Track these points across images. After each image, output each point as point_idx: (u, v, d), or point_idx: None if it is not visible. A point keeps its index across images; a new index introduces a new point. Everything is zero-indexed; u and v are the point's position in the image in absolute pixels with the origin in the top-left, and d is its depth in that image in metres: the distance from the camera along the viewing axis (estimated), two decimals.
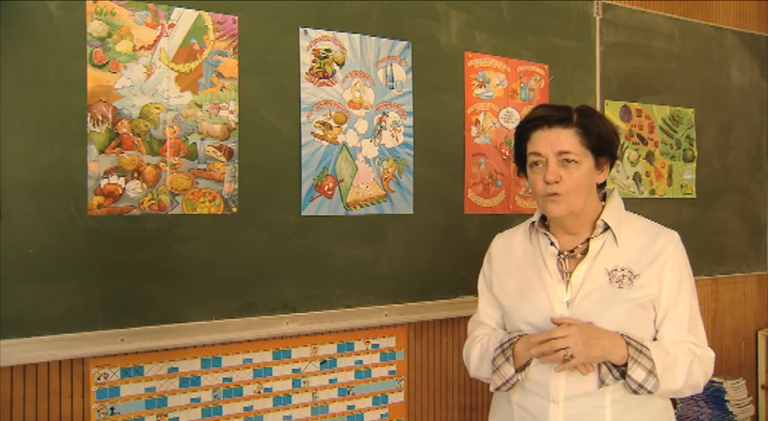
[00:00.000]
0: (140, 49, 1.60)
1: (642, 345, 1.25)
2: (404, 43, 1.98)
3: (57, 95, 1.52)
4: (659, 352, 1.26)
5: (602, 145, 1.34)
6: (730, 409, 2.52)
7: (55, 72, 1.52)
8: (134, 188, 1.60)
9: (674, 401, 1.44)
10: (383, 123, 1.95)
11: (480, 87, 2.13)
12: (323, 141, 1.85)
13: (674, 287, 1.31)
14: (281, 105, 1.79)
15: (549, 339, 1.25)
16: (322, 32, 1.85)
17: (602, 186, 1.42)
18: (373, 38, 1.93)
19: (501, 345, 1.37)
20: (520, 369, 1.33)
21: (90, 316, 1.55)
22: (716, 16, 2.84)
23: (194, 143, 1.67)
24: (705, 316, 1.37)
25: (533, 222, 1.45)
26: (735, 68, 2.80)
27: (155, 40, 1.62)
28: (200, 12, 1.68)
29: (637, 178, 2.51)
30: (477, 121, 2.12)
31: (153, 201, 1.62)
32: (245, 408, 1.81)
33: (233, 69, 1.72)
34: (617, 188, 2.27)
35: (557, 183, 1.30)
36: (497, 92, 2.17)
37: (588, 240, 1.36)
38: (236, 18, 1.73)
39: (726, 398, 2.53)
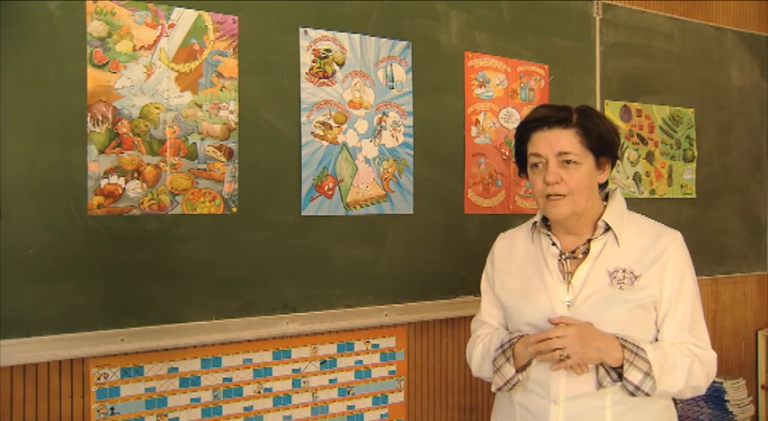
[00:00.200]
0: (140, 49, 1.60)
1: (638, 348, 1.25)
2: (404, 43, 1.98)
3: (57, 95, 1.52)
4: (657, 353, 1.25)
5: (603, 145, 1.34)
6: (730, 409, 2.52)
7: (55, 72, 1.52)
8: (134, 188, 1.60)
9: (674, 401, 1.44)
10: (383, 123, 1.95)
11: (480, 87, 2.13)
12: (323, 141, 1.85)
13: (674, 287, 1.31)
14: (281, 105, 1.79)
15: (546, 338, 1.25)
16: (322, 32, 1.85)
17: (604, 186, 1.42)
18: (373, 38, 1.93)
19: (501, 346, 1.37)
20: (520, 369, 1.33)
21: (90, 316, 1.55)
22: (716, 16, 2.84)
23: (194, 143, 1.67)
24: (705, 316, 1.37)
25: (535, 222, 1.45)
26: (735, 68, 2.80)
27: (155, 40, 1.62)
28: (200, 12, 1.68)
29: (637, 178, 2.51)
30: (477, 121, 2.12)
31: (153, 201, 1.62)
32: (245, 408, 1.81)
33: (233, 69, 1.72)
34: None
35: (557, 183, 1.30)
36: (497, 92, 2.17)
37: (590, 241, 1.36)
38: (236, 18, 1.73)
39: (726, 398, 2.53)
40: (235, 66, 1.72)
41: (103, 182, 1.56)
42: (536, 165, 1.35)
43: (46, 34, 1.51)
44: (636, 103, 2.52)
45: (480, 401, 2.23)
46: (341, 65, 1.88)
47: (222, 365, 1.78)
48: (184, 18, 1.66)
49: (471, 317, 1.59)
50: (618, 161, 1.45)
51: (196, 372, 1.74)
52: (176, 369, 1.71)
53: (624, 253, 1.33)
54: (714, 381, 2.54)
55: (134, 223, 1.60)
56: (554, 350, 1.24)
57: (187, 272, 1.66)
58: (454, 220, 2.07)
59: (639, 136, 2.53)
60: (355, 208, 1.90)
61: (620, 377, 1.25)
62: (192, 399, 1.74)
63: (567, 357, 1.23)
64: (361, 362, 1.99)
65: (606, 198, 1.42)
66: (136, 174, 1.60)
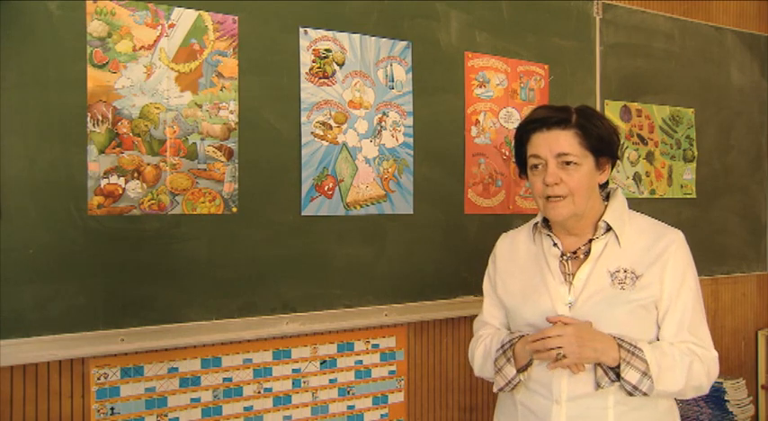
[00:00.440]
0: (140, 49, 1.60)
1: (635, 347, 1.25)
2: (404, 43, 1.98)
3: (57, 95, 1.52)
4: (655, 353, 1.25)
5: (602, 145, 1.34)
6: (730, 409, 2.52)
7: (55, 72, 1.52)
8: (134, 188, 1.60)
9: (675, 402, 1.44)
10: (383, 123, 1.95)
11: (480, 87, 2.13)
12: (323, 141, 1.85)
13: (675, 286, 1.31)
14: (281, 105, 1.79)
15: (544, 338, 1.25)
16: (322, 32, 1.85)
17: (604, 186, 1.42)
18: (373, 38, 1.93)
19: (502, 346, 1.37)
20: (522, 369, 1.33)
21: (90, 316, 1.55)
22: (716, 16, 2.84)
23: (194, 143, 1.67)
24: (705, 316, 1.36)
25: (536, 223, 1.45)
26: (735, 68, 2.80)
27: (155, 40, 1.62)
28: (200, 12, 1.68)
29: (637, 178, 2.51)
30: (477, 121, 2.12)
31: (153, 201, 1.62)
32: (245, 408, 1.81)
33: (233, 69, 1.72)
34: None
35: (556, 184, 1.30)
36: (497, 92, 2.17)
37: (591, 241, 1.36)
38: (236, 18, 1.73)
39: (726, 398, 2.53)
40: (235, 66, 1.72)
41: (103, 182, 1.56)
42: (536, 166, 1.35)
43: (46, 34, 1.51)
44: (636, 103, 2.52)
45: (480, 401, 2.23)
46: (341, 65, 1.88)
47: (222, 365, 1.78)
48: (184, 18, 1.66)
49: (472, 318, 1.59)
50: (618, 161, 1.45)
51: (196, 372, 1.75)
52: (176, 369, 1.71)
53: (625, 253, 1.33)
54: (714, 381, 2.54)
55: (134, 223, 1.60)
56: (551, 349, 1.24)
57: (187, 272, 1.66)
58: (454, 220, 2.07)
59: (639, 136, 2.53)
60: (355, 208, 1.90)
61: (619, 377, 1.24)
62: (192, 399, 1.74)
63: (564, 357, 1.23)
64: (361, 362, 1.99)
65: (607, 198, 1.41)
66: (136, 174, 1.60)
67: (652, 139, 2.56)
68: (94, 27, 1.56)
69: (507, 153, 2.18)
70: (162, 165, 1.63)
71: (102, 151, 1.56)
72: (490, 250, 1.56)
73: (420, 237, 2.01)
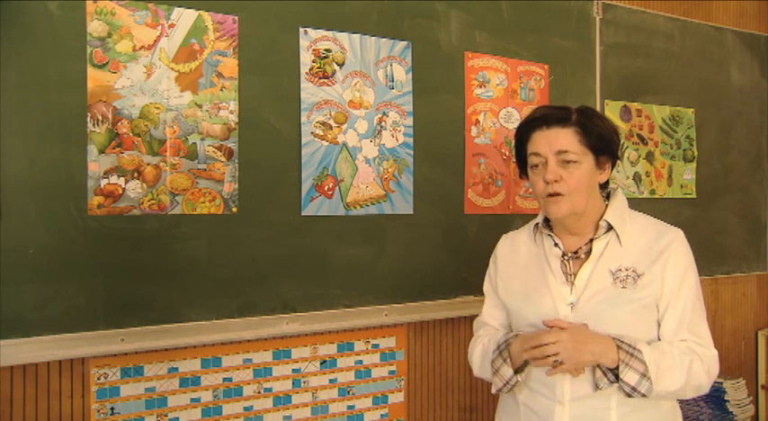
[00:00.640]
0: (140, 49, 1.60)
1: (634, 349, 1.24)
2: (404, 43, 1.98)
3: (57, 95, 1.52)
4: (654, 354, 1.24)
5: (602, 144, 1.34)
6: (730, 409, 2.52)
7: (55, 72, 1.52)
8: (134, 188, 1.60)
9: None
10: (383, 123, 1.95)
11: (480, 87, 2.13)
12: (323, 141, 1.85)
13: (675, 284, 1.30)
14: (281, 105, 1.79)
15: (540, 345, 1.25)
16: (322, 32, 1.85)
17: (605, 186, 1.42)
18: (373, 38, 1.93)
19: (498, 347, 1.37)
20: (519, 369, 1.33)
21: (90, 316, 1.55)
22: (716, 16, 2.84)
23: (194, 143, 1.67)
24: (705, 314, 1.36)
25: (537, 223, 1.45)
26: (735, 68, 2.80)
27: (155, 40, 1.62)
28: (200, 12, 1.68)
29: (637, 178, 2.51)
30: (477, 121, 2.12)
31: (153, 201, 1.62)
32: (245, 408, 1.81)
33: (233, 69, 1.72)
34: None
35: (557, 182, 1.30)
36: (497, 92, 2.17)
37: (592, 241, 1.36)
38: (236, 18, 1.73)
39: (726, 398, 2.53)
40: (235, 66, 1.72)
41: (103, 182, 1.56)
42: (536, 164, 1.35)
43: (46, 34, 1.51)
44: (636, 103, 2.52)
45: (480, 401, 2.23)
46: (341, 65, 1.88)
47: (222, 365, 1.78)
48: (184, 18, 1.66)
49: (472, 318, 1.59)
50: (618, 161, 1.45)
51: (196, 372, 1.75)
52: (176, 369, 1.71)
53: (626, 252, 1.33)
54: (714, 381, 2.54)
55: (134, 223, 1.60)
56: (547, 356, 1.24)
57: (187, 272, 1.66)
58: (454, 220, 2.07)
59: (639, 136, 2.52)
60: (355, 208, 1.90)
61: (618, 378, 1.24)
62: (192, 399, 1.74)
63: (561, 363, 1.23)
64: (361, 362, 1.99)
65: (608, 198, 1.41)
66: (136, 174, 1.60)
67: (652, 139, 2.56)
68: (94, 27, 1.56)
69: (507, 153, 2.18)
70: (162, 165, 1.63)
71: (102, 151, 1.56)
72: (490, 250, 1.56)
73: (420, 237, 2.01)
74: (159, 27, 1.63)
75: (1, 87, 1.46)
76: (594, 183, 1.35)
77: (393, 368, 2.05)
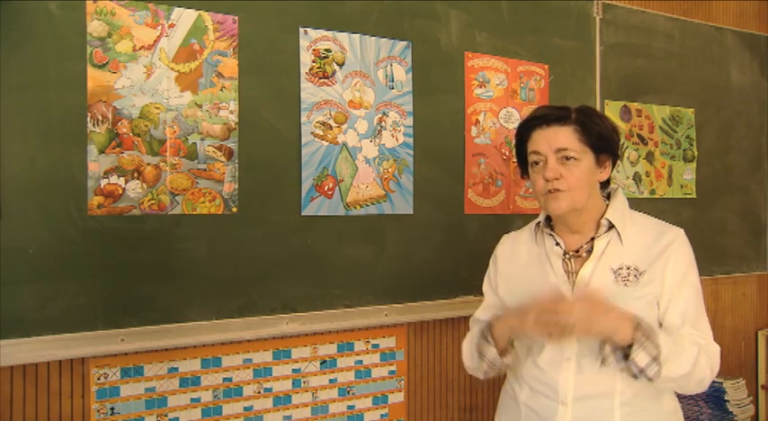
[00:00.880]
0: (140, 49, 1.60)
1: (652, 330, 1.21)
2: (404, 43, 1.98)
3: (57, 95, 1.52)
4: (668, 340, 1.22)
5: (602, 142, 1.34)
6: (730, 409, 2.52)
7: (55, 72, 1.52)
8: (134, 188, 1.60)
9: None
10: (383, 123, 1.95)
11: (480, 87, 2.13)
12: (323, 141, 1.85)
13: (676, 282, 1.30)
14: (281, 105, 1.79)
15: (552, 312, 1.20)
16: (322, 32, 1.85)
17: (606, 186, 1.42)
18: (373, 38, 1.93)
19: (482, 332, 1.37)
20: (504, 352, 1.33)
21: (90, 316, 1.55)
22: (716, 16, 2.84)
23: (194, 143, 1.67)
24: (706, 312, 1.36)
25: (539, 223, 1.45)
26: (735, 68, 2.80)
27: (155, 40, 1.62)
28: (200, 12, 1.68)
29: (637, 178, 2.51)
30: (477, 121, 2.12)
31: (153, 201, 1.62)
32: (245, 408, 1.81)
33: (233, 69, 1.72)
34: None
35: (556, 179, 1.30)
36: (497, 92, 2.17)
37: (593, 239, 1.36)
38: (236, 18, 1.73)
39: (726, 398, 2.53)
40: (235, 66, 1.72)
41: (103, 182, 1.56)
42: (536, 163, 1.35)
43: (46, 34, 1.51)
44: (636, 103, 2.52)
45: (480, 401, 2.23)
46: (341, 65, 1.88)
47: (222, 365, 1.78)
48: (184, 18, 1.66)
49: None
50: (618, 161, 1.45)
51: (196, 372, 1.75)
52: (176, 369, 1.71)
53: (628, 250, 1.33)
54: (714, 381, 2.54)
55: (134, 223, 1.60)
56: (558, 324, 1.19)
57: (187, 272, 1.66)
58: (454, 220, 2.07)
59: (639, 136, 2.52)
60: (355, 208, 1.90)
61: (626, 358, 1.21)
62: (192, 399, 1.74)
63: (572, 329, 1.18)
64: (361, 362, 1.99)
65: (608, 198, 1.42)
66: (136, 174, 1.60)
67: (652, 139, 2.56)
68: (94, 27, 1.56)
69: (507, 153, 2.18)
70: (162, 165, 1.63)
71: (102, 151, 1.56)
72: (490, 250, 1.56)
73: (420, 237, 2.01)
74: (159, 27, 1.63)
75: (1, 87, 1.46)
76: (595, 180, 1.36)
77: (393, 368, 2.05)
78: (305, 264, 1.82)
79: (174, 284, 1.65)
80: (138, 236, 1.60)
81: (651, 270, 1.30)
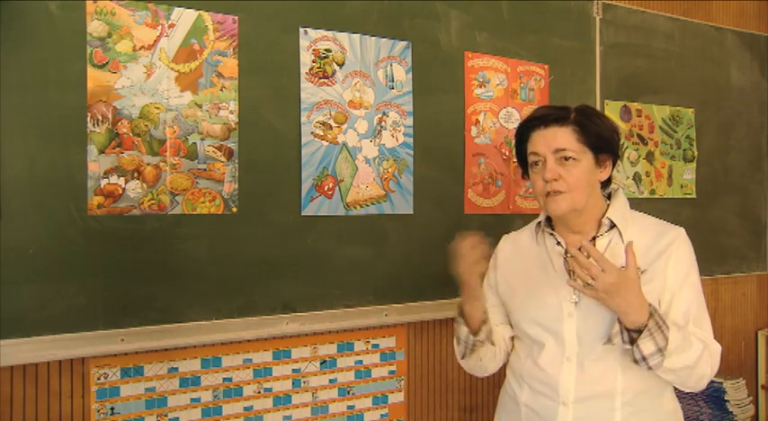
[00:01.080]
0: (140, 49, 1.60)
1: (664, 323, 1.21)
2: (404, 43, 1.98)
3: (57, 95, 1.52)
4: (678, 335, 1.21)
5: (601, 142, 1.34)
6: (730, 409, 2.52)
7: (55, 72, 1.52)
8: (134, 188, 1.60)
9: None
10: (383, 123, 1.95)
11: (480, 87, 2.13)
12: (323, 141, 1.85)
13: (678, 281, 1.30)
14: (281, 105, 1.79)
15: (590, 264, 1.19)
16: (322, 32, 1.85)
17: (606, 185, 1.42)
18: (373, 38, 1.93)
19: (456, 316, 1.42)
20: (476, 331, 1.38)
21: (90, 316, 1.55)
22: (716, 16, 2.84)
23: (194, 143, 1.67)
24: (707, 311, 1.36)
25: (539, 222, 1.45)
26: (735, 68, 2.80)
27: (155, 40, 1.62)
28: (200, 12, 1.68)
29: (637, 178, 2.51)
30: (477, 121, 2.12)
31: (153, 201, 1.62)
32: (245, 408, 1.81)
33: (233, 69, 1.72)
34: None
35: (555, 180, 1.30)
36: (497, 92, 2.17)
37: (594, 239, 1.36)
38: (236, 18, 1.73)
39: (726, 398, 2.53)
40: (235, 66, 1.72)
41: (103, 182, 1.56)
42: (535, 163, 1.35)
43: (46, 34, 1.51)
44: (636, 103, 2.52)
45: (480, 401, 2.23)
46: (341, 65, 1.88)
47: (222, 365, 1.78)
48: (184, 18, 1.66)
49: None
50: (618, 161, 1.45)
51: (196, 372, 1.75)
52: (176, 369, 1.71)
53: None
54: (714, 381, 2.54)
55: (134, 223, 1.60)
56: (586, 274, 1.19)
57: (187, 272, 1.66)
58: (454, 220, 2.07)
59: (639, 136, 2.52)
60: (355, 208, 1.90)
61: (632, 342, 1.21)
62: (192, 399, 1.74)
63: (589, 287, 1.19)
64: (361, 362, 1.99)
65: (609, 198, 1.42)
66: (136, 174, 1.60)
67: (652, 139, 2.56)
68: (94, 27, 1.56)
69: (507, 153, 2.18)
70: (162, 165, 1.63)
71: (102, 151, 1.56)
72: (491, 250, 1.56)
73: (420, 237, 2.01)
74: (159, 27, 1.63)
75: (1, 87, 1.46)
76: (595, 180, 1.36)
77: (393, 368, 2.05)
78: (305, 264, 1.82)
79: (174, 284, 1.65)
80: (138, 236, 1.60)
81: (652, 269, 1.30)
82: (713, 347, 1.30)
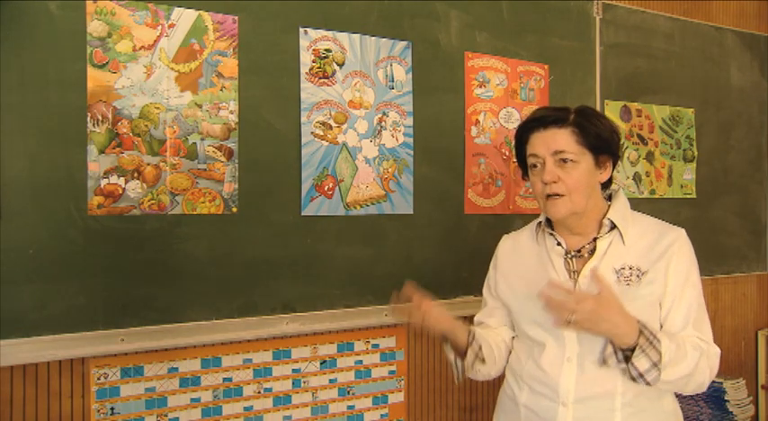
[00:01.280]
0: (140, 49, 1.60)
1: (655, 337, 1.21)
2: (404, 43, 1.98)
3: (57, 95, 1.52)
4: (671, 346, 1.22)
5: (601, 143, 1.34)
6: (730, 409, 2.52)
7: (55, 72, 1.52)
8: (134, 188, 1.60)
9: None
10: (383, 123, 1.95)
11: (480, 87, 2.13)
12: (323, 141, 1.85)
13: (679, 283, 1.30)
14: (281, 105, 1.79)
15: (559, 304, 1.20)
16: (322, 32, 1.85)
17: (607, 186, 1.42)
18: (373, 38, 1.93)
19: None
20: (464, 351, 1.41)
21: (90, 316, 1.55)
22: (716, 16, 2.84)
23: (194, 143, 1.67)
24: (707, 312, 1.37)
25: (539, 223, 1.45)
26: (735, 68, 2.80)
27: (155, 40, 1.62)
28: (200, 12, 1.68)
29: (637, 178, 2.51)
30: (477, 121, 2.12)
31: (153, 201, 1.62)
32: (245, 408, 1.81)
33: (233, 69, 1.72)
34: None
35: (554, 182, 1.30)
36: (497, 92, 2.17)
37: (595, 239, 1.36)
38: (236, 18, 1.73)
39: (726, 398, 2.53)
40: (235, 66, 1.72)
41: (103, 182, 1.56)
42: (535, 165, 1.35)
43: (46, 34, 1.51)
44: (636, 103, 2.52)
45: (480, 401, 2.23)
46: (341, 65, 1.88)
47: (222, 365, 1.78)
48: (184, 18, 1.66)
49: (471, 318, 1.59)
50: (618, 162, 1.45)
51: (196, 372, 1.75)
52: (176, 369, 1.71)
53: (630, 251, 1.33)
54: (714, 381, 2.54)
55: (134, 223, 1.60)
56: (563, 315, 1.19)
57: (187, 272, 1.66)
58: (454, 220, 2.07)
59: (639, 136, 2.52)
60: (355, 208, 1.90)
61: (627, 359, 1.21)
62: (192, 399, 1.74)
63: (573, 323, 1.18)
64: (361, 362, 1.99)
65: (609, 199, 1.42)
66: (136, 174, 1.60)
67: (652, 139, 2.56)
68: (94, 27, 1.56)
69: (507, 153, 2.18)
70: (162, 165, 1.63)
71: (102, 151, 1.56)
72: (490, 250, 1.56)
73: (420, 237, 2.01)
74: (159, 27, 1.63)
75: (1, 87, 1.46)
76: (595, 182, 1.35)
77: (393, 368, 2.05)
78: (305, 264, 1.82)
79: (174, 284, 1.65)
80: (138, 236, 1.60)
81: (653, 270, 1.30)
82: (712, 350, 1.30)
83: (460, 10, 2.08)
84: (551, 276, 1.36)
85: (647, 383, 1.22)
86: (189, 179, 1.66)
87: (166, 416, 1.70)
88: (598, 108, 2.38)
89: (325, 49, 1.86)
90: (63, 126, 1.52)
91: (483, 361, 1.41)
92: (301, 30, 1.82)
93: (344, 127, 1.88)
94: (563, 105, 1.40)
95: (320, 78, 1.85)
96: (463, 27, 2.09)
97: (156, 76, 1.62)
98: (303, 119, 1.82)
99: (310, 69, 1.83)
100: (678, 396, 1.40)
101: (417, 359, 2.11)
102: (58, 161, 1.52)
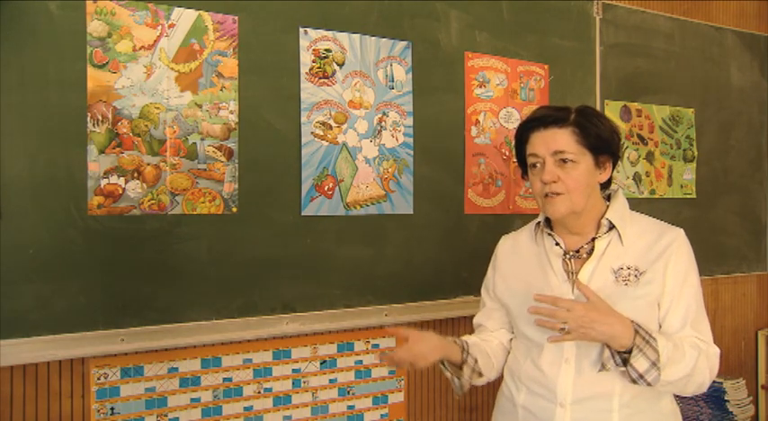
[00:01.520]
0: (140, 49, 1.60)
1: (651, 336, 1.21)
2: (404, 43, 1.98)
3: (57, 95, 1.52)
4: (668, 345, 1.22)
5: (601, 143, 1.33)
6: (730, 409, 2.52)
7: (55, 72, 1.52)
8: (134, 188, 1.60)
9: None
10: (383, 123, 1.95)
11: (480, 87, 2.13)
12: (323, 141, 1.85)
13: (677, 283, 1.30)
14: (281, 105, 1.79)
15: (552, 305, 1.22)
16: (322, 32, 1.85)
17: (607, 186, 1.42)
18: (373, 38, 1.93)
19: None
20: (460, 366, 1.42)
21: (90, 316, 1.55)
22: (716, 16, 2.84)
23: (194, 143, 1.67)
24: (706, 313, 1.36)
25: (538, 223, 1.45)
26: (735, 68, 2.80)
27: (155, 40, 1.62)
28: (200, 12, 1.68)
29: (637, 178, 2.51)
30: (477, 121, 2.12)
31: (153, 201, 1.62)
32: (245, 408, 1.81)
33: (233, 69, 1.72)
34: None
35: (554, 182, 1.30)
36: (497, 92, 2.17)
37: (593, 240, 1.36)
38: (236, 18, 1.73)
39: (726, 398, 2.53)
40: (235, 66, 1.72)
41: (103, 182, 1.56)
42: (534, 165, 1.35)
43: (46, 34, 1.51)
44: (636, 103, 2.52)
45: (480, 401, 2.23)
46: (341, 65, 1.88)
47: (222, 365, 1.78)
48: (184, 18, 1.66)
49: (471, 318, 1.60)
50: (618, 162, 1.45)
51: (196, 372, 1.75)
52: (176, 369, 1.71)
53: (628, 251, 1.33)
54: (714, 381, 2.53)
55: (134, 223, 1.60)
56: (555, 320, 1.21)
57: (187, 272, 1.66)
58: (454, 220, 2.07)
59: (639, 136, 2.52)
60: (355, 208, 1.90)
61: (625, 362, 1.21)
62: (192, 399, 1.74)
63: (568, 332, 1.20)
64: (361, 362, 1.99)
65: (608, 199, 1.41)
66: (136, 174, 1.60)
67: (652, 139, 2.56)
68: (94, 27, 1.56)
69: (507, 153, 2.18)
70: (162, 165, 1.63)
71: (102, 151, 1.56)
72: (490, 250, 1.56)
73: (420, 237, 2.01)
74: (159, 27, 1.63)
75: (1, 87, 1.46)
76: (594, 182, 1.35)
77: (393, 368, 2.05)
78: (305, 264, 1.82)
79: (174, 284, 1.65)
80: (138, 236, 1.60)
81: (652, 270, 1.30)
82: (711, 351, 1.30)
83: (460, 10, 2.08)
84: (549, 277, 1.36)
85: (648, 384, 1.21)
86: (189, 179, 1.66)
87: (166, 416, 1.70)
88: (598, 108, 2.38)
89: (325, 49, 1.86)
90: (63, 126, 1.52)
91: (480, 374, 1.43)
92: (301, 30, 1.82)
93: (344, 127, 1.88)
94: (563, 105, 1.40)
95: (320, 78, 1.85)
96: (463, 27, 2.09)
97: (156, 76, 1.62)
98: (303, 119, 1.82)
99: (310, 69, 1.83)
100: (677, 395, 1.40)
101: None
102: (57, 161, 1.52)
